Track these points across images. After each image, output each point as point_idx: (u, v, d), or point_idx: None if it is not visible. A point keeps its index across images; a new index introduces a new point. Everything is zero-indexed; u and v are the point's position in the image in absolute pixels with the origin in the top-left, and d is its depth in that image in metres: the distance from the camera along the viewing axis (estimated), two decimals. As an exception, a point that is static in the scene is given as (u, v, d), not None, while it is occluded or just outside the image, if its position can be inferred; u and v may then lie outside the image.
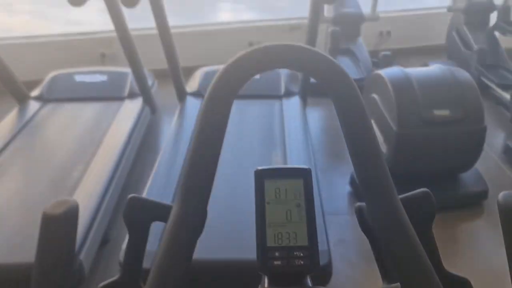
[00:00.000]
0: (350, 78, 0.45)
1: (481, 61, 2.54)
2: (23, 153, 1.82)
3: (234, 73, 0.45)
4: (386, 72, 1.74)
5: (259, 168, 0.49)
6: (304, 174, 0.49)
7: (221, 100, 0.46)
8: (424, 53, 3.23)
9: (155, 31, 2.07)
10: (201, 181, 0.45)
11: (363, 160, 0.44)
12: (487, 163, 2.04)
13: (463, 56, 2.75)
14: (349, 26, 2.65)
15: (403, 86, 1.65)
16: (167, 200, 0.55)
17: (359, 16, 2.63)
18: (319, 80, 0.45)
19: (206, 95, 0.46)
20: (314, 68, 0.45)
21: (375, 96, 1.79)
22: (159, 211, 0.46)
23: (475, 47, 2.57)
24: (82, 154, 1.77)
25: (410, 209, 0.44)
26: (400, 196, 0.46)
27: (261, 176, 0.49)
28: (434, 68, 1.78)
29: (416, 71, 1.74)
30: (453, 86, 1.66)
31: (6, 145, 1.83)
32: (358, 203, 0.48)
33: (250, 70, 0.45)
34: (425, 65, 2.91)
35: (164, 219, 0.45)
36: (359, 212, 0.48)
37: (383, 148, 1.70)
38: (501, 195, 0.48)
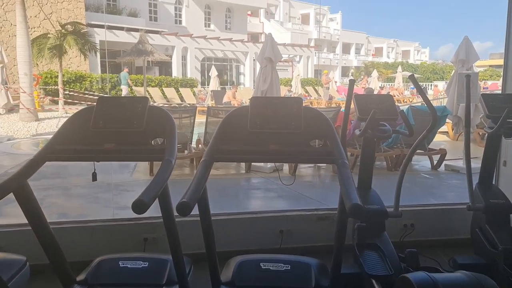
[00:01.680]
0: None
1: (508, 261, 2.59)
2: None
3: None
4: (414, 277, 1.82)
5: None
6: None
7: None
8: (449, 246, 3.30)
9: (197, 218, 2.24)
10: None
11: None
12: None
13: (489, 253, 2.82)
14: (374, 221, 2.83)
15: (432, 293, 1.72)
16: None
17: (383, 213, 2.83)
18: None
19: None
20: None
21: (405, 299, 1.84)
22: None
23: (500, 247, 2.66)
24: None
25: None
26: None
27: None
28: (460, 275, 1.86)
29: (443, 277, 1.83)
30: (481, 295, 1.71)
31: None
32: None
33: None
34: (452, 259, 2.96)
35: None
36: None
37: None
38: None
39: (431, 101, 2.97)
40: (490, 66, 36.69)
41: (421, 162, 6.50)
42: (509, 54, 3.30)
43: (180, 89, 19.31)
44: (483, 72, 35.74)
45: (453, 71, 6.73)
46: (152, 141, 2.40)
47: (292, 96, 18.23)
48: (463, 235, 3.23)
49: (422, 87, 29.97)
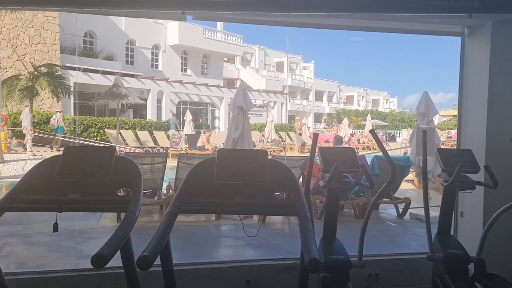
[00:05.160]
0: None
1: (467, 313, 2.65)
2: None
3: None
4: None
5: None
6: None
7: None
8: (413, 297, 3.36)
9: (158, 268, 2.22)
10: None
11: None
12: None
13: (449, 304, 2.87)
14: (338, 272, 2.86)
15: None
16: None
17: (346, 264, 2.87)
18: None
19: None
20: None
21: None
22: None
23: (459, 298, 2.73)
24: None
25: None
26: None
27: None
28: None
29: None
30: None
31: None
32: None
33: None
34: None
35: None
36: None
37: None
38: None
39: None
40: (454, 116, 38.47)
41: (387, 210, 6.64)
42: (462, 112, 3.55)
43: (154, 132, 19.27)
44: (447, 122, 37.42)
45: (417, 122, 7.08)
46: (121, 190, 2.41)
47: (265, 141, 18.46)
48: (426, 285, 3.30)
49: (391, 135, 31.01)
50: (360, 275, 3.27)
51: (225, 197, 2.21)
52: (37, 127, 16.57)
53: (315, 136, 2.93)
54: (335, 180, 2.78)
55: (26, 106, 15.28)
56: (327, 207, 3.10)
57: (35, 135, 14.92)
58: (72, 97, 18.53)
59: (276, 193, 2.33)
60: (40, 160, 2.34)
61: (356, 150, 3.07)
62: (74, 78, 19.71)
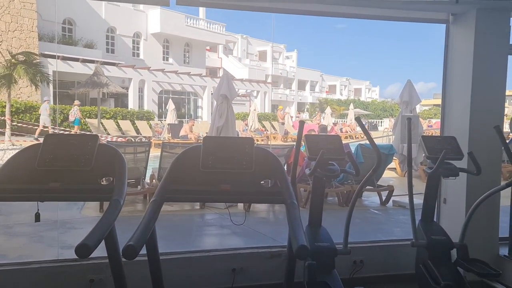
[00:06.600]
0: None
1: (449, 297, 2.70)
2: None
3: None
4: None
5: None
6: None
7: None
8: (396, 281, 3.42)
9: (144, 258, 2.20)
10: None
11: None
12: None
13: (432, 289, 2.93)
14: (324, 259, 2.87)
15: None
16: None
17: (332, 251, 2.89)
18: None
19: None
20: None
21: None
22: None
23: (442, 283, 2.78)
24: None
25: None
26: None
27: None
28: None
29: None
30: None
31: None
32: None
33: None
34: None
35: None
36: None
37: None
38: None
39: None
40: (434, 105, 39.07)
41: (370, 198, 6.72)
42: (446, 100, 3.58)
43: (136, 121, 19.01)
44: (428, 111, 37.98)
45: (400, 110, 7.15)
46: (104, 179, 2.36)
47: (248, 130, 18.41)
48: (410, 270, 3.35)
49: (373, 124, 31.34)
50: (345, 262, 3.31)
51: (211, 185, 2.19)
52: (15, 116, 16.16)
53: (301, 123, 2.91)
54: (321, 168, 2.78)
55: (46, 100, 15.11)
56: (312, 194, 3.10)
57: (13, 125, 14.55)
58: (51, 85, 18.10)
59: (261, 182, 2.31)
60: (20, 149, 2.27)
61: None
62: (53, 66, 19.23)
